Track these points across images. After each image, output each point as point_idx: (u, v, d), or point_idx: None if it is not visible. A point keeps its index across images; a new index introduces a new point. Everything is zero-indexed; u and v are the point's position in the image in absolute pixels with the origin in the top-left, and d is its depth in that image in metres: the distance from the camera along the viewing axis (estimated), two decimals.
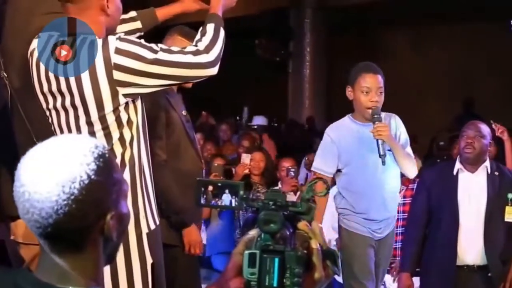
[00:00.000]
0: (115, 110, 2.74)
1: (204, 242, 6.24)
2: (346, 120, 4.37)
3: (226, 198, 1.50)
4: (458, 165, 4.82)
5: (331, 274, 1.48)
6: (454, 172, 4.81)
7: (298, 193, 5.80)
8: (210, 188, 1.51)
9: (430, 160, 7.41)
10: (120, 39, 2.73)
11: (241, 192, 1.48)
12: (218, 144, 8.71)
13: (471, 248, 4.68)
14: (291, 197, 5.56)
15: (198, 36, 2.92)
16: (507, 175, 4.79)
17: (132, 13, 3.48)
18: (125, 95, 2.74)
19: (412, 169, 4.36)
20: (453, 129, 8.22)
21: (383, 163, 4.06)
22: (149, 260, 2.88)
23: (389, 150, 4.19)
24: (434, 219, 4.81)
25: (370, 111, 4.15)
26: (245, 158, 6.28)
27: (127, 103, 2.77)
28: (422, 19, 14.33)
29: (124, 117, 2.78)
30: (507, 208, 4.73)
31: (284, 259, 1.37)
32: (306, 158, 7.66)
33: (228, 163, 6.92)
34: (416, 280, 4.96)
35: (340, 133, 4.29)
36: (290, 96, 14.91)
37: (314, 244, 1.44)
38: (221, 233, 6.21)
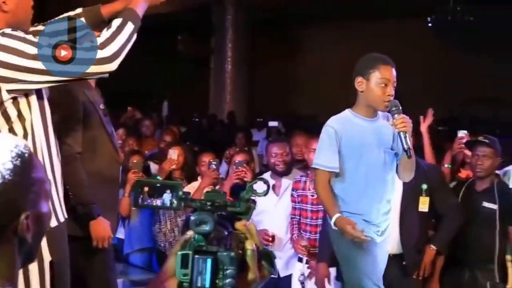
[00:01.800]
0: (0, 105, 2.72)
1: (121, 236, 6.23)
2: (348, 114, 4.02)
3: (167, 198, 1.48)
4: None
5: (267, 275, 1.48)
6: None
7: (218, 186, 5.82)
8: (146, 188, 1.48)
9: None
10: (2, 34, 2.70)
11: (180, 193, 1.46)
12: (141, 139, 8.65)
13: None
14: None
15: (103, 31, 2.90)
16: (421, 166, 4.90)
17: (78, 10, 3.42)
18: (9, 91, 2.71)
19: (412, 173, 4.04)
20: None
21: (409, 157, 3.77)
22: (47, 258, 2.84)
23: (391, 149, 3.97)
24: None
25: (386, 103, 3.84)
26: (172, 154, 6.25)
27: (15, 99, 2.75)
28: (345, 14, 14.53)
29: (12, 112, 2.76)
30: (421, 199, 4.87)
31: (217, 260, 1.36)
32: (227, 152, 7.68)
33: (147, 159, 6.89)
34: (333, 270, 5.06)
35: (344, 127, 3.94)
36: (212, 92, 14.93)
37: (249, 245, 1.42)
38: (140, 229, 6.19)
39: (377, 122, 4.00)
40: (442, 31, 13.88)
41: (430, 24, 14.03)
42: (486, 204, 4.96)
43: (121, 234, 6.10)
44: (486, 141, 5.08)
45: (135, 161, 6.18)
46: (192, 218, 1.37)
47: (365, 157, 3.92)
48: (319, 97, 15.21)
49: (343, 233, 3.81)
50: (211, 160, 5.98)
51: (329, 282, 5.04)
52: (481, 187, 5.11)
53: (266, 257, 1.46)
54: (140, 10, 3.02)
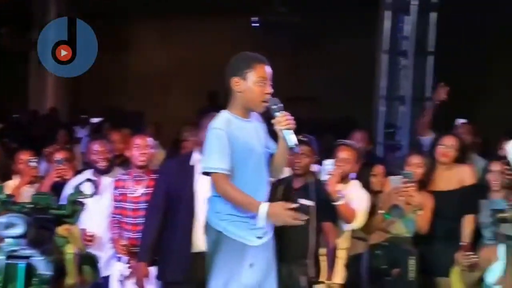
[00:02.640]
0: None
1: None
2: (228, 115, 3.90)
3: None
4: (196, 156, 4.96)
5: (90, 280, 1.45)
6: (192, 163, 4.95)
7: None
8: None
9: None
10: None
11: (2, 195, 1.40)
12: None
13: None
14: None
15: None
16: None
17: None
18: None
19: (284, 170, 4.07)
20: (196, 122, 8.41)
21: (296, 152, 3.89)
22: None
23: (267, 148, 3.96)
24: (173, 208, 4.92)
25: (265, 103, 3.82)
26: None
27: None
28: (170, 10, 14.54)
29: None
30: None
31: (31, 264, 1.30)
32: (47, 150, 7.48)
33: None
34: (153, 270, 5.06)
35: (230, 129, 3.82)
36: (33, 87, 14.46)
37: (70, 249, 1.39)
38: None
39: (253, 122, 3.98)
40: (267, 31, 14.20)
41: (256, 24, 14.31)
42: (302, 201, 5.12)
43: None
44: (305, 139, 5.26)
45: None
46: (1, 221, 1.32)
47: (252, 159, 3.87)
48: (145, 92, 15.15)
49: (281, 219, 3.69)
50: (30, 158, 5.82)
51: (148, 281, 5.04)
52: (298, 184, 5.28)
53: (89, 261, 1.44)
54: None
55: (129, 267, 5.26)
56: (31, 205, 1.33)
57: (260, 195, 3.85)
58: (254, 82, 3.84)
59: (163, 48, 15.27)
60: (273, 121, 3.82)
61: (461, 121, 6.98)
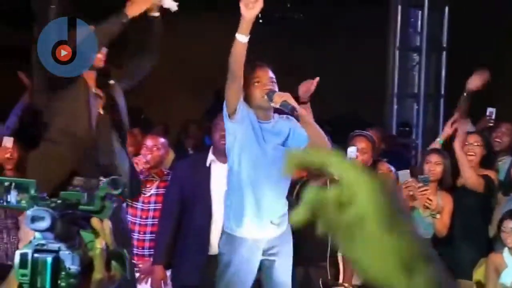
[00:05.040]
0: None
1: None
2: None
3: (13, 196, 1.35)
4: (211, 156, 4.84)
5: (117, 277, 1.37)
6: (207, 164, 4.83)
7: None
8: None
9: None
10: None
11: (32, 191, 1.34)
12: None
13: None
14: None
15: None
16: None
17: None
18: None
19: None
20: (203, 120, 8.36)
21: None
22: None
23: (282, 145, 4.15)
24: (188, 210, 4.84)
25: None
26: (7, 141, 5.80)
27: None
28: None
29: None
30: None
31: (59, 258, 1.26)
32: None
33: None
34: (169, 273, 4.98)
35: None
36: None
37: (99, 244, 1.33)
38: None
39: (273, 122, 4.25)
40: (272, 27, 14.15)
41: (260, 20, 14.25)
42: None
43: None
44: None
45: None
46: (28, 213, 1.27)
47: (259, 153, 4.12)
48: (148, 94, 15.12)
49: None
50: None
51: (165, 284, 4.94)
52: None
53: (117, 257, 1.38)
54: None
55: (139, 271, 5.15)
56: (60, 201, 1.28)
57: (263, 190, 4.09)
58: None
59: (163, 47, 15.19)
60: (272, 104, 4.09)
61: (490, 109, 6.69)
